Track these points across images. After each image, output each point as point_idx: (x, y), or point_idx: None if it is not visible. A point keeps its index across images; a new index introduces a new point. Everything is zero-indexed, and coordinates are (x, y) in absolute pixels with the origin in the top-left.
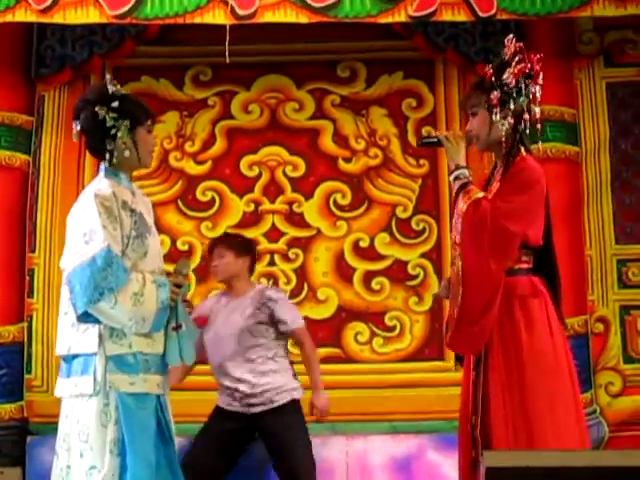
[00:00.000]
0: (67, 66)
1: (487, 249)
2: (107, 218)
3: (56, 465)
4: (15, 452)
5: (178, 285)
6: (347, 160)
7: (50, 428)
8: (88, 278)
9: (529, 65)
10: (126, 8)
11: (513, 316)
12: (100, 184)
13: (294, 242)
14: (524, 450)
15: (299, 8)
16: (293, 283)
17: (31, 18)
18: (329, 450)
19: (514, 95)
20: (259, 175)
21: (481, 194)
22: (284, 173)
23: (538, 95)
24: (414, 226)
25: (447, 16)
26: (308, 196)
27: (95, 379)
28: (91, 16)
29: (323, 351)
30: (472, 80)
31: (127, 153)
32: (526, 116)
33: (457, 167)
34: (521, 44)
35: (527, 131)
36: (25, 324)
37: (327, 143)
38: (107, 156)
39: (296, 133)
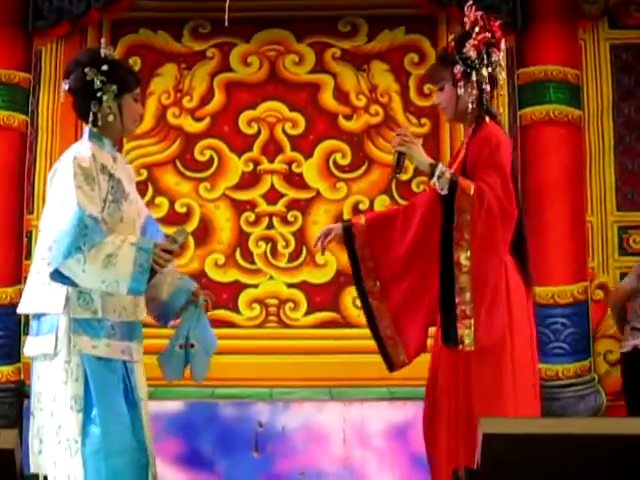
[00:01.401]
0: (64, 19)
1: (500, 238)
2: (84, 179)
3: (32, 425)
4: (12, 414)
5: (169, 251)
6: (348, 117)
7: None
8: (60, 237)
9: (489, 34)
10: None
11: None
12: (81, 146)
13: (293, 204)
14: (521, 417)
15: None
16: (292, 247)
17: None
18: (326, 415)
19: (477, 66)
20: (258, 132)
21: (472, 185)
22: (283, 130)
23: (502, 62)
24: (414, 188)
25: None
26: (307, 155)
27: (57, 338)
28: None
29: (321, 315)
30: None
31: (111, 118)
32: (487, 87)
33: (431, 166)
34: (480, 12)
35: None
36: (22, 286)
37: (327, 99)
38: (91, 118)
39: (296, 87)
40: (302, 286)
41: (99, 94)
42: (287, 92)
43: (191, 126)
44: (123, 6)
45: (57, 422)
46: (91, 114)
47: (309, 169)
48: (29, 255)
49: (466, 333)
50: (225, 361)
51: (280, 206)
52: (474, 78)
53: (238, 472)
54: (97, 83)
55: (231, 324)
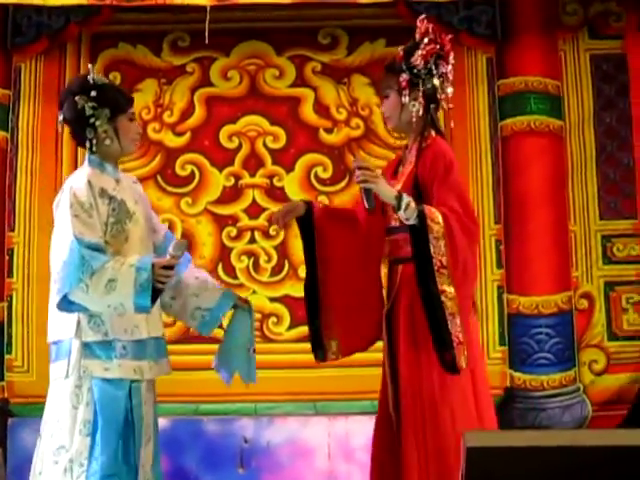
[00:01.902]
0: (43, 35)
1: (470, 259)
2: (80, 208)
3: (38, 446)
4: None
5: (169, 267)
6: (328, 131)
7: (31, 409)
8: (61, 269)
9: (438, 46)
10: None
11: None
12: (79, 173)
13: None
14: (505, 430)
15: None
16: (274, 261)
17: None
18: (311, 430)
19: (423, 77)
20: (239, 146)
21: (438, 212)
22: (264, 144)
23: (450, 75)
24: None
25: None
26: (289, 169)
27: (69, 363)
28: None
29: (304, 329)
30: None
31: (108, 142)
32: (443, 96)
33: (397, 198)
34: (431, 25)
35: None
36: (5, 304)
37: (308, 112)
38: (88, 145)
39: (276, 101)
40: (285, 300)
41: (92, 120)
42: (268, 106)
43: (172, 141)
44: (102, 19)
45: (57, 443)
46: (87, 141)
47: (290, 183)
48: (11, 273)
49: (463, 359)
50: (209, 377)
51: (262, 220)
52: (420, 88)
53: None
54: (88, 110)
55: (215, 340)
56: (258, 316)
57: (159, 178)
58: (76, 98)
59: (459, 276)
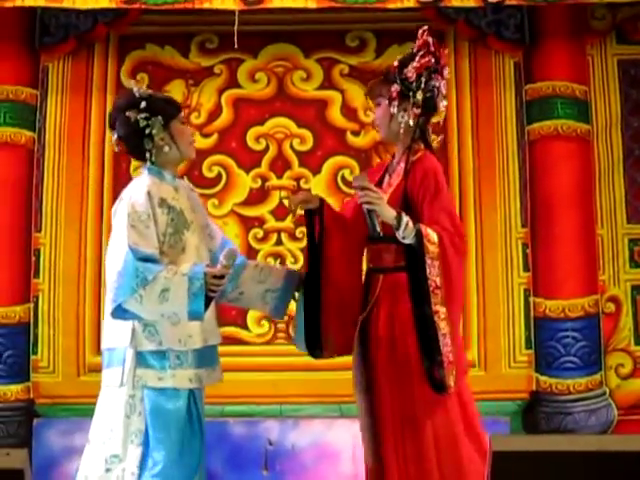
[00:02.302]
0: (71, 35)
1: (462, 279)
2: (138, 218)
3: (87, 450)
4: (21, 433)
5: (220, 276)
6: (355, 133)
7: (56, 409)
8: (116, 279)
9: (433, 59)
10: None
11: (402, 310)
12: (138, 183)
13: (301, 220)
14: (532, 435)
15: None
16: (300, 263)
17: (40, 2)
18: (336, 433)
19: (414, 89)
20: (266, 148)
21: (433, 232)
22: (291, 146)
23: (443, 89)
24: None
25: (456, 1)
26: (316, 171)
27: (123, 371)
28: (100, 1)
29: None
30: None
31: (167, 149)
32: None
33: (396, 219)
34: (429, 38)
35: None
36: (31, 305)
37: (335, 115)
38: (148, 156)
39: (304, 104)
40: None
41: (148, 130)
42: (295, 108)
43: (199, 142)
44: (130, 20)
45: (110, 452)
46: (147, 152)
47: (317, 185)
48: (37, 273)
49: (452, 378)
50: (234, 378)
51: (288, 222)
52: (411, 100)
53: None
54: (142, 122)
55: (240, 341)
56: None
57: (186, 180)
58: (127, 113)
59: (451, 295)
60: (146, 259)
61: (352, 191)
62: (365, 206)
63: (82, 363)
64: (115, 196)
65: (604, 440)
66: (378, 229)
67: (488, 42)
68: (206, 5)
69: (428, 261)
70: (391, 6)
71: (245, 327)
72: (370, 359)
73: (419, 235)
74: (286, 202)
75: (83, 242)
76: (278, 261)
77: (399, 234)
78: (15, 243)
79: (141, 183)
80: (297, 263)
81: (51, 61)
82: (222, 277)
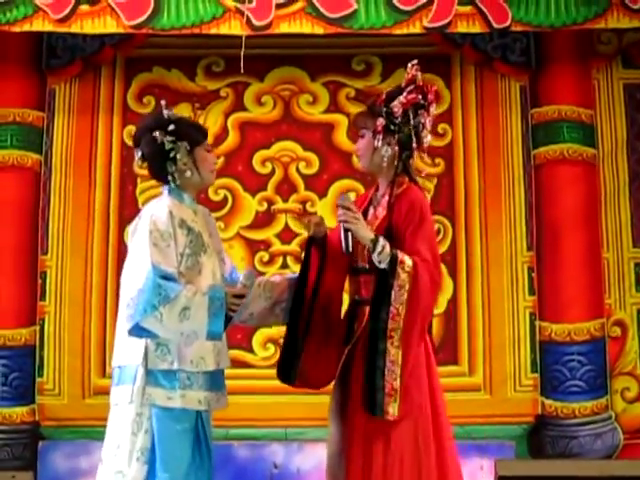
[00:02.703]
0: (78, 57)
1: (429, 311)
2: (160, 237)
3: (99, 470)
4: (26, 455)
5: (239, 296)
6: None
7: (61, 431)
8: (137, 295)
9: (421, 96)
10: (143, 18)
11: None
12: (159, 203)
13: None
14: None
15: (315, 19)
16: None
17: (48, 27)
18: None
19: (399, 124)
20: (272, 172)
21: (410, 260)
22: (297, 170)
23: (428, 125)
24: None
25: (462, 27)
26: (322, 194)
27: (133, 390)
28: (108, 26)
29: None
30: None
31: (188, 174)
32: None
33: (372, 241)
34: (418, 73)
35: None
36: (37, 327)
37: (341, 138)
38: (170, 178)
39: (310, 127)
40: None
41: (172, 154)
42: (301, 132)
43: None
44: (136, 43)
45: (115, 468)
46: (169, 175)
47: (323, 208)
48: (44, 296)
49: (392, 405)
50: (239, 401)
51: (294, 245)
52: (395, 135)
53: None
54: (168, 144)
55: (245, 364)
56: None
57: None
58: (155, 134)
59: (413, 326)
60: (167, 277)
61: None
62: (343, 225)
63: (88, 385)
64: (121, 218)
65: (610, 465)
66: (350, 249)
67: (494, 66)
68: (213, 31)
69: (396, 287)
70: (397, 32)
71: (250, 350)
72: (347, 388)
73: (394, 260)
74: (294, 223)
75: (89, 265)
76: None
77: (374, 257)
78: (21, 265)
79: (162, 203)
80: None
81: (58, 83)
82: (242, 297)
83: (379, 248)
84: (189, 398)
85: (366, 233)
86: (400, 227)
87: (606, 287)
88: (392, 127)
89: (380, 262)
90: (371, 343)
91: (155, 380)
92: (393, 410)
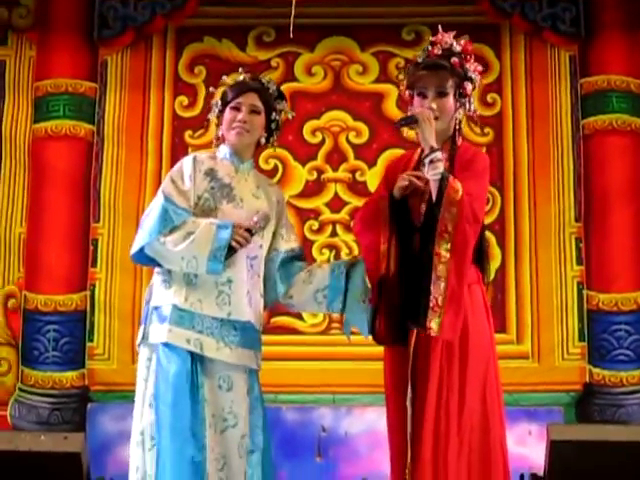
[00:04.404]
0: (129, 27)
1: (473, 242)
2: (179, 174)
3: None
4: (75, 419)
5: (249, 231)
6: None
7: (110, 396)
8: (145, 223)
9: (480, 67)
10: None
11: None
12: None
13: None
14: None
15: None
16: (355, 254)
17: None
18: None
19: (472, 90)
20: (322, 141)
21: (459, 185)
22: (347, 139)
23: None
24: None
25: None
26: (371, 164)
27: (144, 329)
28: None
29: None
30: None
31: (220, 132)
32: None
33: (432, 150)
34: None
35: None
36: (88, 293)
37: (391, 108)
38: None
39: (360, 97)
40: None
41: (213, 114)
42: (351, 102)
43: None
44: (188, 12)
45: (135, 412)
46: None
47: (373, 177)
48: (95, 263)
49: (435, 320)
50: (288, 367)
51: (344, 214)
52: (468, 100)
53: (301, 477)
54: (213, 105)
55: (295, 331)
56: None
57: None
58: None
59: (460, 247)
60: (177, 210)
61: None
62: (416, 112)
63: (137, 351)
64: None
65: None
66: (400, 125)
67: (544, 36)
68: None
69: (445, 204)
70: None
71: (300, 317)
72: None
73: (445, 177)
74: (344, 192)
75: None
76: (333, 252)
77: (425, 162)
78: (73, 232)
79: (209, 152)
80: (352, 254)
81: (109, 54)
82: (250, 232)
83: (434, 157)
84: (176, 334)
85: (430, 136)
86: (459, 173)
87: None
88: (469, 92)
89: (428, 172)
90: (420, 256)
91: (156, 316)
92: (437, 327)
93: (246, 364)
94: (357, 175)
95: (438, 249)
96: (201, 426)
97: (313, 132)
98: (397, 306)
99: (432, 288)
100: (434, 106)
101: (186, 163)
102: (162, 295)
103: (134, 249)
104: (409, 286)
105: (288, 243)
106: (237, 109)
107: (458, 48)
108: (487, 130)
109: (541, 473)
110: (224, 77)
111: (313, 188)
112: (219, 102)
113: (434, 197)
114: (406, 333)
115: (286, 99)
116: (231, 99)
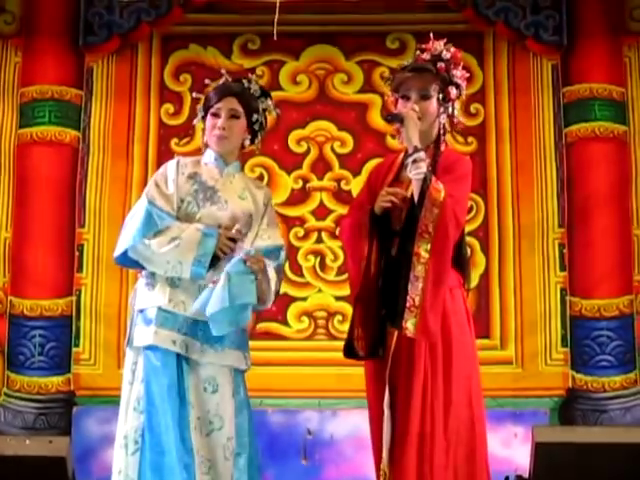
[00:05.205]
0: (115, 34)
1: (451, 239)
2: (162, 178)
3: None
4: (61, 424)
5: (232, 239)
6: (395, 136)
7: (96, 401)
8: (129, 226)
9: (467, 74)
10: None
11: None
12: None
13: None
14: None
15: None
16: (340, 260)
17: None
18: None
19: (458, 96)
20: (307, 151)
21: (441, 186)
22: (332, 149)
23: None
24: None
25: None
26: (356, 173)
27: (130, 332)
28: None
29: None
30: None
31: (205, 138)
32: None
33: (415, 149)
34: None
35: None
36: (74, 298)
37: (375, 118)
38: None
39: (344, 107)
40: (351, 299)
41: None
42: (336, 111)
43: None
44: (173, 20)
45: (120, 416)
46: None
47: (357, 186)
48: (80, 268)
49: (411, 321)
50: (274, 372)
51: (329, 221)
52: (452, 106)
53: (286, 479)
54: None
55: (280, 337)
56: (324, 314)
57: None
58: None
59: (439, 248)
60: (160, 213)
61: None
62: (402, 111)
63: (123, 355)
64: None
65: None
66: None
67: (527, 44)
68: None
69: (427, 204)
70: None
71: (285, 323)
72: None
73: (427, 177)
74: (329, 200)
75: None
76: (318, 259)
77: (408, 161)
78: (59, 238)
79: (193, 157)
80: (337, 260)
81: (95, 61)
82: (234, 241)
83: (416, 155)
84: (161, 336)
85: (413, 135)
86: (441, 176)
87: (636, 264)
88: (455, 98)
89: (411, 171)
90: (399, 256)
91: (141, 319)
92: (412, 327)
93: (233, 365)
94: (342, 184)
95: (417, 249)
96: (187, 429)
97: (298, 142)
98: (375, 316)
99: (409, 288)
100: (416, 108)
101: (170, 167)
102: (146, 297)
103: (117, 251)
104: (387, 288)
105: (264, 241)
106: (217, 115)
107: (447, 55)
108: (470, 139)
109: (526, 475)
110: (207, 81)
111: (299, 196)
112: (202, 108)
113: (416, 197)
114: (383, 346)
115: (270, 96)
116: (211, 105)
